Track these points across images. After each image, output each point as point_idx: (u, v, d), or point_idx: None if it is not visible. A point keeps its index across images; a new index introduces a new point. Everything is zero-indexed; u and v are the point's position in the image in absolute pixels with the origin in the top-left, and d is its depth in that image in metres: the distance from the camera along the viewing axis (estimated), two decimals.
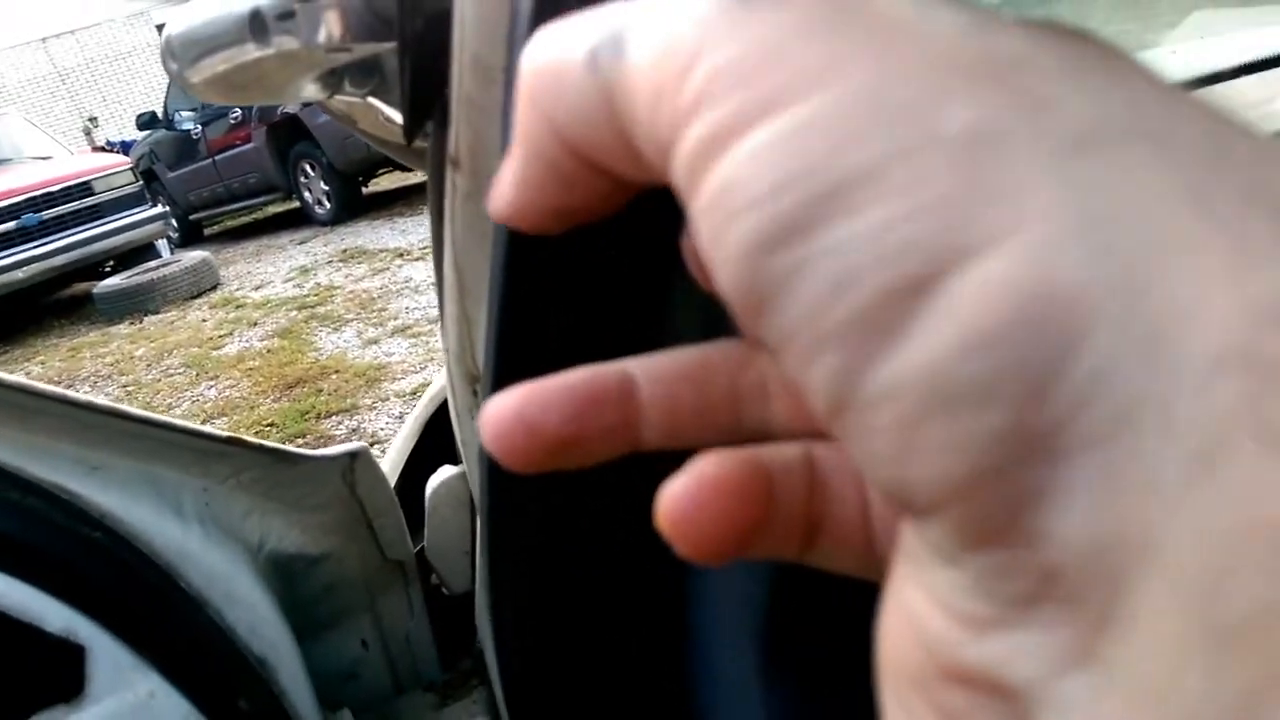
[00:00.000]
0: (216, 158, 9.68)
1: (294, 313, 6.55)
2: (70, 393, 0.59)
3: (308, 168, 9.01)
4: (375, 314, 6.11)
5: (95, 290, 7.39)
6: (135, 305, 7.21)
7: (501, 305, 0.39)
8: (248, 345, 6.06)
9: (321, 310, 6.48)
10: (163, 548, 0.64)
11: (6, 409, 0.59)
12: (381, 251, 7.56)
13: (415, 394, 4.69)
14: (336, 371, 5.25)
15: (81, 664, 0.58)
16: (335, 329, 6.03)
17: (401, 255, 7.29)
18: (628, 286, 0.41)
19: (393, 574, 0.84)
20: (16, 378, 0.57)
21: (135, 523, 0.63)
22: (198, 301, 7.42)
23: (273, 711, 0.66)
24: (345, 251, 7.87)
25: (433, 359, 5.08)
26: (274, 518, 0.72)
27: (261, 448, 0.66)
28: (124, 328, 7.04)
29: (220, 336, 6.41)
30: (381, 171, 9.76)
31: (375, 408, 4.66)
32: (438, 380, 1.00)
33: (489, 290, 0.41)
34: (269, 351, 5.83)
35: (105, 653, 0.58)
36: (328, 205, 9.11)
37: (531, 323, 0.39)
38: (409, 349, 5.31)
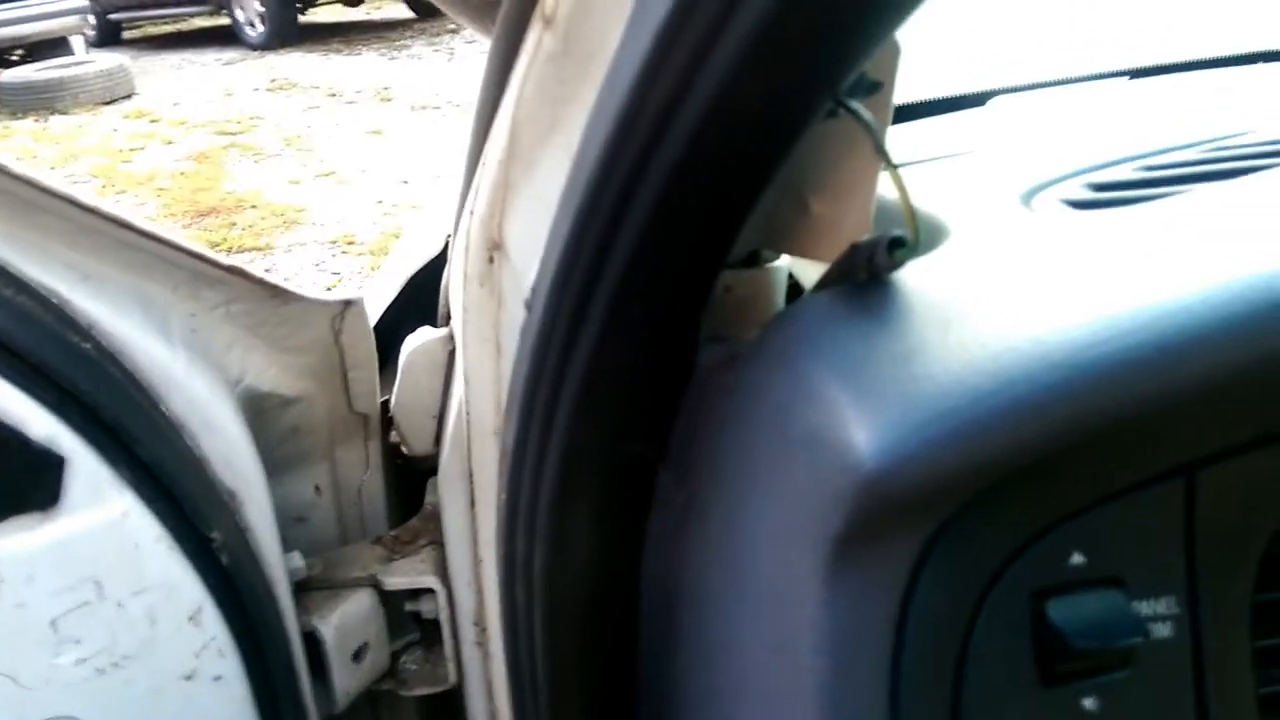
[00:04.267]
0: None
1: (214, 137, 6.24)
2: (75, 192, 0.56)
3: None
4: (301, 152, 5.87)
5: (1, 78, 6.87)
6: (42, 101, 6.76)
7: (588, 199, 0.38)
8: (160, 164, 5.76)
9: (243, 139, 6.18)
10: (147, 367, 0.62)
11: (4, 200, 0.56)
12: (314, 87, 7.21)
13: (335, 243, 4.56)
14: (253, 206, 5.05)
15: (60, 475, 0.56)
16: (256, 161, 5.77)
17: (334, 95, 6.98)
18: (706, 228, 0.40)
19: (355, 426, 0.84)
20: (18, 167, 0.54)
21: (122, 338, 0.61)
22: (110, 109, 6.98)
23: (239, 545, 0.66)
24: (275, 81, 7.49)
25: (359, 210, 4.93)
26: (256, 354, 0.70)
27: (261, 281, 0.64)
28: (28, 123, 6.60)
29: (131, 150, 6.07)
30: (322, 1, 9.23)
31: (291, 251, 4.52)
32: (413, 236, 0.97)
33: (574, 177, 0.40)
34: (183, 174, 5.57)
35: (84, 466, 0.57)
36: (260, 27, 8.60)
37: (613, 231, 0.38)
38: (333, 195, 5.13)
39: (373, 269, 4.28)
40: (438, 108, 6.39)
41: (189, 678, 0.63)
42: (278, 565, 0.71)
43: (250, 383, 0.71)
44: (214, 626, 0.63)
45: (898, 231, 0.35)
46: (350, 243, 4.54)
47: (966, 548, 0.35)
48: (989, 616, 0.35)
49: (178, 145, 6.11)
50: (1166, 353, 0.32)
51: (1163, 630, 0.37)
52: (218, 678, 0.64)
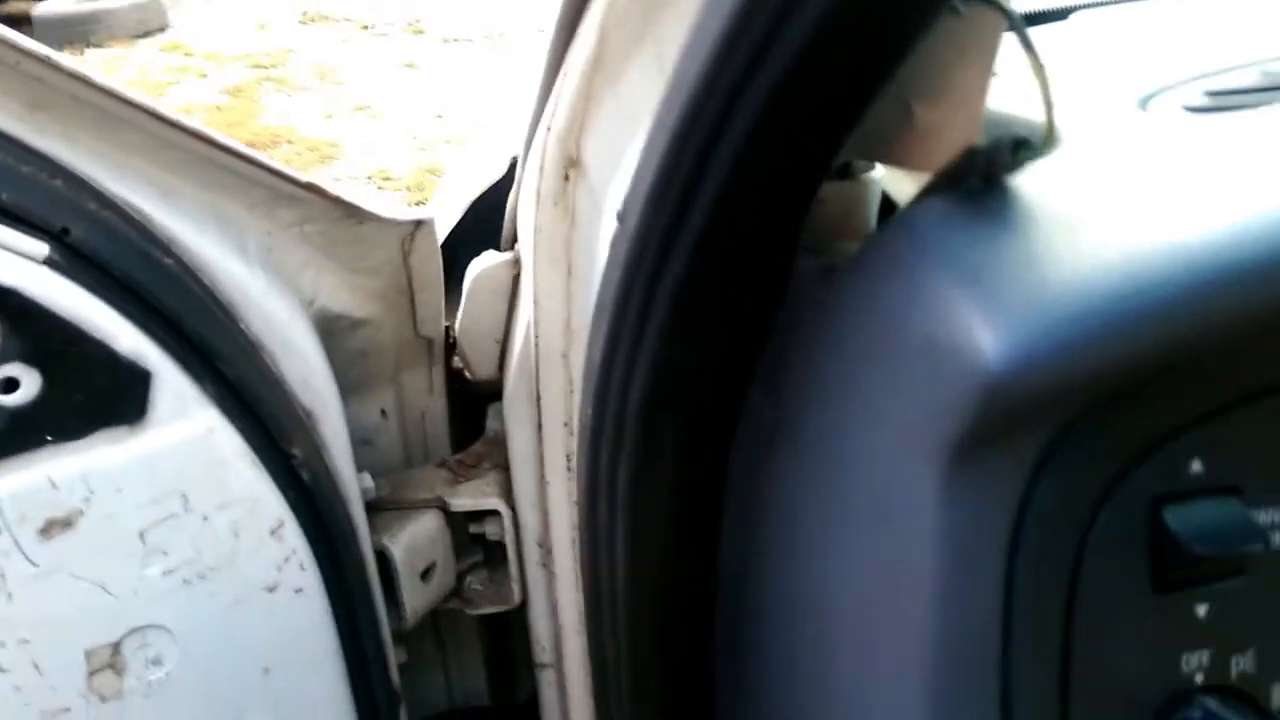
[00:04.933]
0: None
1: (247, 71, 6.20)
2: (158, 105, 0.56)
3: None
4: (334, 86, 5.83)
5: (34, 12, 6.85)
6: (77, 35, 6.73)
7: (690, 106, 0.37)
8: (195, 98, 5.74)
9: (276, 73, 6.14)
10: (227, 285, 0.62)
11: (87, 113, 0.56)
12: (346, 20, 7.13)
13: (370, 179, 4.55)
14: (289, 142, 5.04)
15: (146, 389, 0.57)
16: (290, 95, 5.74)
17: (367, 28, 6.90)
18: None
19: (420, 350, 0.84)
20: (101, 78, 0.53)
21: (202, 255, 0.61)
22: (143, 43, 6.94)
23: (317, 463, 0.67)
24: (307, 14, 7.40)
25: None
26: (328, 275, 0.71)
27: (337, 199, 0.63)
28: (64, 57, 6.59)
29: (166, 84, 6.04)
30: None
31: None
32: (475, 159, 0.97)
33: (675, 85, 0.39)
34: (218, 109, 5.54)
35: (170, 381, 0.58)
36: None
37: (715, 142, 0.37)
38: (367, 130, 5.10)
39: (409, 205, 4.27)
40: (470, 40, 6.31)
41: (271, 590, 0.65)
42: (352, 485, 0.72)
43: (323, 304, 0.71)
44: (294, 540, 0.64)
45: (1022, 132, 0.34)
46: (386, 178, 4.53)
47: (1086, 453, 0.34)
48: (1106, 522, 0.35)
49: (212, 79, 6.08)
50: None
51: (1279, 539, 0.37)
52: (298, 590, 0.65)
